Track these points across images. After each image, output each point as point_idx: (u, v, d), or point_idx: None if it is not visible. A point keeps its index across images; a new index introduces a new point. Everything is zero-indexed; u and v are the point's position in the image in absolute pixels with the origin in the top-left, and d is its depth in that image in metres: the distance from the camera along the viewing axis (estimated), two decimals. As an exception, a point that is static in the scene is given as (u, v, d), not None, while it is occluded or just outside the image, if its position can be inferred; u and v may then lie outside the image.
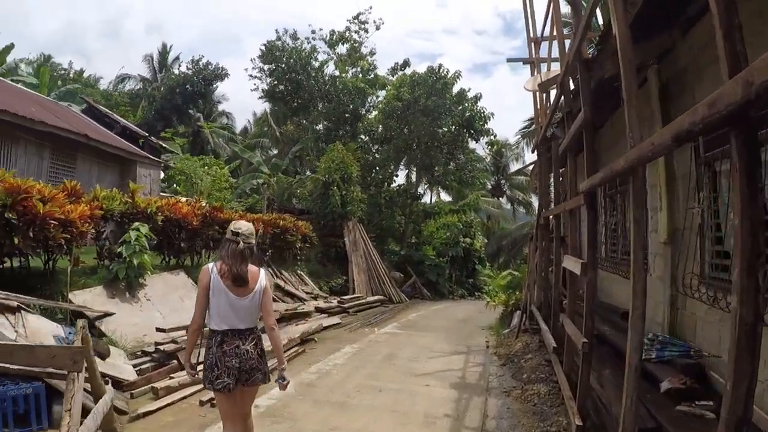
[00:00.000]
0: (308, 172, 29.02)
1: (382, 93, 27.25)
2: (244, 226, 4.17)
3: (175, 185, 22.98)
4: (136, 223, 9.83)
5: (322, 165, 20.95)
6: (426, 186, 34.97)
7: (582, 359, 5.70)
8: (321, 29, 30.18)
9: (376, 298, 18.42)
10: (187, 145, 40.71)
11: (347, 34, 27.80)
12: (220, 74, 40.79)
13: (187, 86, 39.00)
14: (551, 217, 11.42)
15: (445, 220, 29.68)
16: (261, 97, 27.94)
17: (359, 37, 27.78)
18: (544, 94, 10.93)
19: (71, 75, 40.82)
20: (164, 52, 43.40)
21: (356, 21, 27.84)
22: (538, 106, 11.65)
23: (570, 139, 6.74)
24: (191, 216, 12.12)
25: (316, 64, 26.75)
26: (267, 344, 4.16)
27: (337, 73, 26.66)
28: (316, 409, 6.41)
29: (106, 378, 6.01)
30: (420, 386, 7.72)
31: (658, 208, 6.80)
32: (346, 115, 25.33)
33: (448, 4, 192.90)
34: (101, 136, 18.12)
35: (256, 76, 26.85)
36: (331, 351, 10.07)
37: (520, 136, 29.23)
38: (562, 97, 7.55)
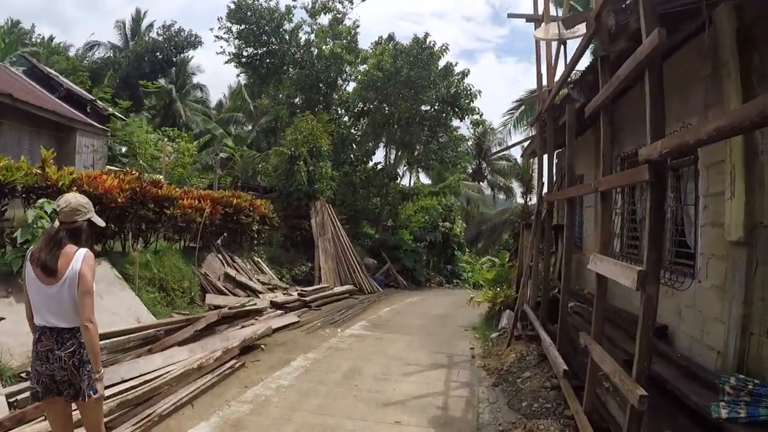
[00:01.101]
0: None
1: (362, 68, 24.90)
2: (67, 200, 3.50)
3: (137, 159, 20.68)
4: (41, 200, 7.67)
5: (289, 137, 18.71)
6: (405, 167, 32.85)
7: (630, 417, 3.78)
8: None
9: (344, 288, 16.37)
10: (158, 118, 38.29)
11: (330, 3, 25.23)
12: (193, 42, 38.15)
13: (157, 53, 36.29)
14: (554, 202, 9.47)
15: (423, 203, 27.69)
16: (228, 62, 25.47)
17: (343, 7, 25.29)
18: (554, 51, 8.87)
19: (33, 39, 37.52)
20: (138, 18, 40.34)
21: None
22: (542, 69, 9.62)
23: (610, 92, 4.71)
24: (116, 191, 9.88)
25: (290, 27, 24.26)
26: None
27: (313, 37, 24.18)
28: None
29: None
30: (388, 425, 5.70)
31: (728, 194, 4.81)
32: (320, 84, 22.91)
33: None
34: (34, 98, 15.57)
35: (222, 38, 24.32)
36: (279, 364, 8.01)
37: (507, 116, 27.07)
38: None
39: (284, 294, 14.20)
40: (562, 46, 8.15)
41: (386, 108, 22.94)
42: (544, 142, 9.58)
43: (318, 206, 18.09)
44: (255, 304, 11.35)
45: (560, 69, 8.42)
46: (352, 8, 25.13)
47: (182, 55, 39.70)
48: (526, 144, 14.07)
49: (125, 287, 9.59)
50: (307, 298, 13.64)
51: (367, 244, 24.48)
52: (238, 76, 34.82)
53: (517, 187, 43.21)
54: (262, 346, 9.02)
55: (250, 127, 35.36)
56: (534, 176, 42.86)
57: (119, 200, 9.84)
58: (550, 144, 7.06)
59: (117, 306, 8.88)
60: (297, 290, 14.67)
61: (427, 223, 27.66)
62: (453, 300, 17.29)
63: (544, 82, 9.26)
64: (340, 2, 24.95)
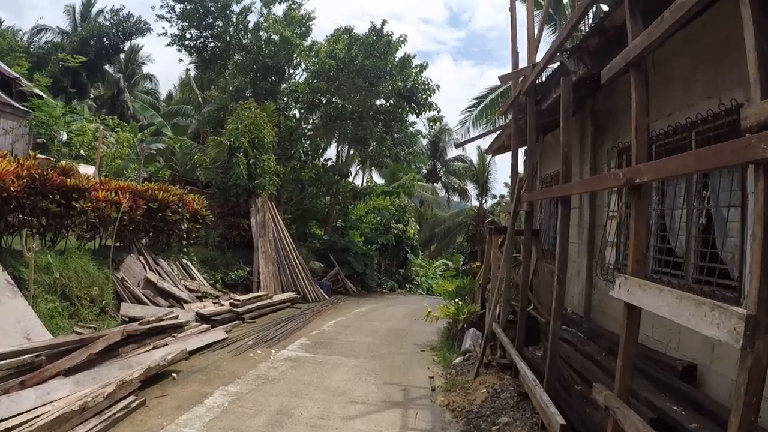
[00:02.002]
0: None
1: (315, 59, 22.99)
2: None
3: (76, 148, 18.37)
4: None
5: (229, 126, 16.76)
6: (359, 166, 31.18)
7: None
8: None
9: (285, 296, 14.57)
10: (105, 108, 35.60)
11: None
12: (142, 28, 35.76)
13: (104, 39, 33.68)
14: (537, 202, 8.01)
15: (376, 203, 26.10)
16: (170, 44, 23.15)
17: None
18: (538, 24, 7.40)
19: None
20: (88, 3, 37.59)
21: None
22: (518, 48, 8.13)
23: (657, 36, 3.18)
24: (9, 177, 7.99)
25: (237, 9, 22.13)
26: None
27: (263, 20, 22.10)
28: None
29: None
30: None
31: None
32: (267, 71, 20.87)
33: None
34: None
35: (165, 17, 21.99)
36: (190, 402, 6.22)
37: (466, 114, 25.72)
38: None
39: (214, 303, 12.33)
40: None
41: (338, 101, 21.19)
42: (520, 131, 8.10)
43: (259, 204, 16.20)
44: (176, 316, 9.47)
45: (543, 49, 6.98)
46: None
47: (131, 43, 37.70)
48: (493, 137, 12.61)
49: (17, 295, 7.65)
50: (240, 309, 11.82)
51: (314, 246, 22.71)
52: (187, 68, 32.74)
53: (472, 189, 42.27)
54: (174, 375, 7.20)
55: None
56: (490, 177, 42.39)
57: (12, 189, 7.94)
58: (564, 117, 5.51)
59: (2, 319, 6.97)
60: (230, 299, 12.81)
61: (379, 225, 26.09)
62: (407, 310, 15.71)
63: (522, 60, 7.76)
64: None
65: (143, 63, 41.28)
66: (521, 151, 8.93)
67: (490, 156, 41.10)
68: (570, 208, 5.55)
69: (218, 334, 9.89)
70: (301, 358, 8.83)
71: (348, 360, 8.94)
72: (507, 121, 12.07)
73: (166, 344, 8.18)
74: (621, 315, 3.60)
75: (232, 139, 16.10)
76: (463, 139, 22.42)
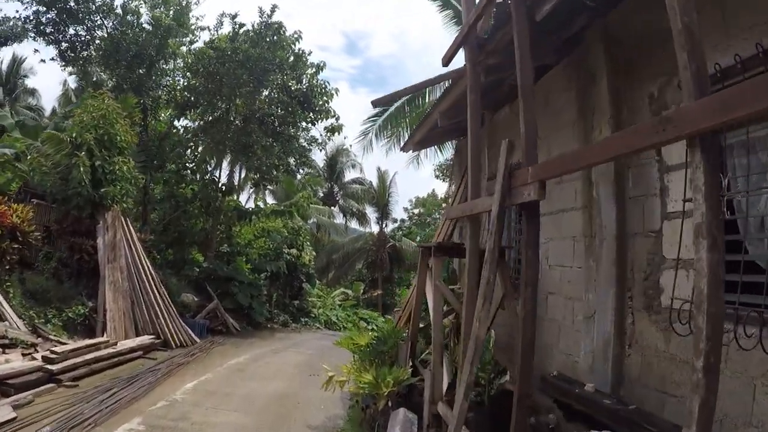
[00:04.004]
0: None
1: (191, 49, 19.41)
2: None
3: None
4: None
5: (76, 119, 12.95)
6: (252, 189, 27.58)
7: None
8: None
9: (138, 342, 10.91)
10: None
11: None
12: (18, 33, 30.06)
13: None
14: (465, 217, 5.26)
15: (265, 225, 22.69)
16: (22, 30, 18.71)
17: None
18: None
19: None
20: None
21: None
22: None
23: None
24: None
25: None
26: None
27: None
28: None
29: None
30: None
31: None
32: (134, 59, 16.95)
33: (293, 15, 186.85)
34: None
35: (18, -2, 17.60)
36: None
37: (369, 124, 23.17)
38: None
39: (25, 356, 8.59)
40: None
41: (219, 102, 17.81)
42: (480, 87, 5.41)
43: (109, 220, 12.42)
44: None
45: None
46: (197, 4, 19.45)
47: (15, 54, 32.06)
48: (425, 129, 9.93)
49: None
50: (57, 366, 8.15)
51: (192, 276, 18.90)
52: (65, 79, 27.94)
53: (371, 213, 39.82)
54: None
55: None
56: (391, 200, 40.10)
57: None
58: (523, 57, 2.89)
59: None
60: (54, 348, 9.06)
61: (269, 250, 22.67)
62: (301, 359, 12.42)
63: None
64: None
65: (26, 76, 35.48)
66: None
67: (392, 175, 39.22)
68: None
69: (3, 412, 6.28)
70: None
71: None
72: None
73: None
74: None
75: (74, 135, 12.30)
76: (363, 156, 19.74)
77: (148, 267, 12.91)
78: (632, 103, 5.30)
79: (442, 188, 66.18)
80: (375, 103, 6.44)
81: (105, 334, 11.09)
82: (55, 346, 9.50)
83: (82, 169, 11.72)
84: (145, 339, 11.32)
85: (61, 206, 12.63)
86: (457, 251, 6.63)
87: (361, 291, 34.61)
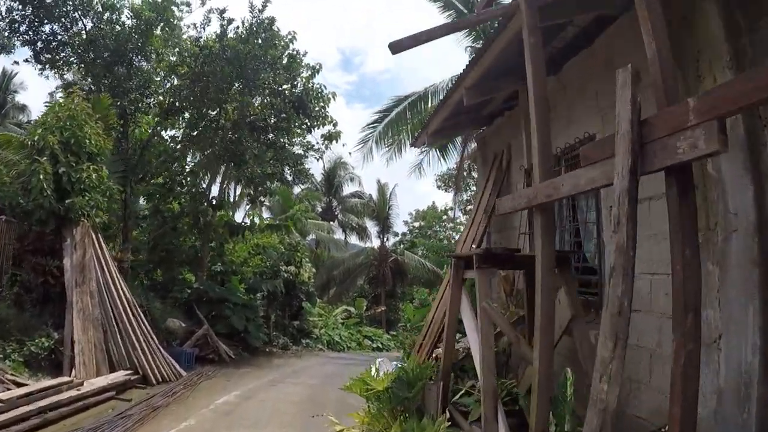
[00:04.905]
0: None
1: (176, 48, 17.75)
2: None
3: None
4: None
5: (38, 121, 11.33)
6: (248, 205, 25.84)
7: None
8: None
9: (110, 380, 9.15)
10: None
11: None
12: (4, 45, 28.60)
13: None
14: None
15: (260, 241, 21.02)
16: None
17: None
18: None
19: None
20: None
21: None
22: None
23: None
24: None
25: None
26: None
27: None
28: None
29: None
30: None
31: None
32: (115, 58, 15.23)
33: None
34: None
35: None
36: None
37: (368, 131, 21.60)
38: None
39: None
40: None
41: (208, 108, 16.19)
42: (535, 21, 3.80)
43: (77, 236, 10.71)
44: None
45: None
46: (189, 12, 17.75)
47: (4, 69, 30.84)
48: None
49: None
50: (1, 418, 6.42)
51: (183, 298, 17.16)
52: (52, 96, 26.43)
53: (372, 227, 38.20)
54: None
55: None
56: (391, 213, 38.40)
57: None
58: None
59: None
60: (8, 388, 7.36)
61: (265, 268, 20.98)
62: (303, 393, 10.56)
63: None
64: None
65: (16, 91, 34.04)
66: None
67: (392, 187, 37.61)
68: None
69: None
70: None
71: None
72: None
73: None
74: None
75: (36, 138, 10.66)
76: (363, 164, 18.22)
77: (125, 291, 11.18)
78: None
79: (442, 200, 64.69)
80: (394, 47, 4.62)
81: (73, 371, 9.38)
82: (9, 389, 7.81)
83: (42, 176, 10.05)
84: (120, 375, 9.57)
85: (23, 222, 10.95)
86: (512, 261, 4.98)
87: (364, 307, 32.86)
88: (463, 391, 5.79)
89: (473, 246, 7.89)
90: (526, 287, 4.97)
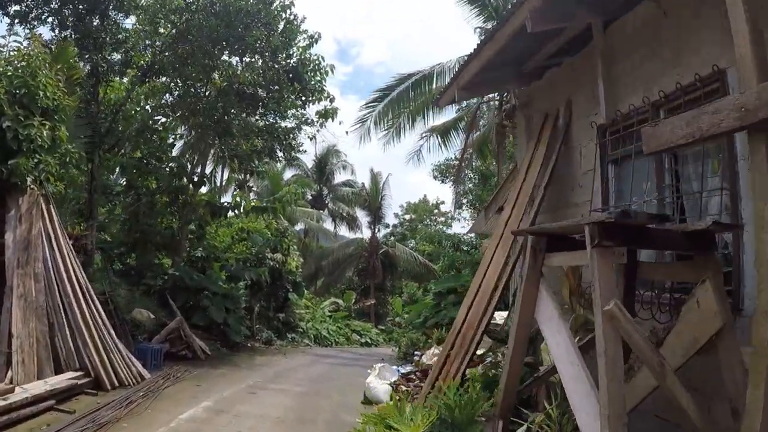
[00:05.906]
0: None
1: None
2: None
3: None
4: None
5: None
6: (236, 190, 23.97)
7: None
8: None
9: (51, 385, 7.32)
10: None
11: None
12: None
13: None
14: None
15: (245, 225, 19.21)
16: None
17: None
18: None
19: None
20: None
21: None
22: None
23: None
24: None
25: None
26: None
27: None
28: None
29: None
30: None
31: None
32: (79, 6, 13.28)
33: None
34: None
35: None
36: None
37: (367, 111, 19.88)
38: None
39: None
40: None
41: (192, 71, 14.31)
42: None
43: (24, 206, 8.87)
44: None
45: None
46: None
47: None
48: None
49: None
50: None
51: (157, 286, 15.30)
52: None
53: (363, 217, 36.57)
54: None
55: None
56: (384, 203, 36.63)
57: None
58: None
59: None
60: None
61: (249, 255, 19.19)
62: (287, 404, 8.73)
63: None
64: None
65: None
66: None
67: (385, 176, 35.84)
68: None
69: None
70: None
71: None
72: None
73: None
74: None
75: (-23, 90, 8.77)
76: (360, 145, 16.56)
77: (79, 274, 9.33)
78: None
79: (434, 193, 62.90)
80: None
81: (9, 371, 7.58)
82: None
83: (-16, 131, 8.18)
84: (64, 379, 7.76)
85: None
86: (654, 236, 3.29)
87: (353, 300, 31.29)
88: (524, 428, 4.11)
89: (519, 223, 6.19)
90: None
